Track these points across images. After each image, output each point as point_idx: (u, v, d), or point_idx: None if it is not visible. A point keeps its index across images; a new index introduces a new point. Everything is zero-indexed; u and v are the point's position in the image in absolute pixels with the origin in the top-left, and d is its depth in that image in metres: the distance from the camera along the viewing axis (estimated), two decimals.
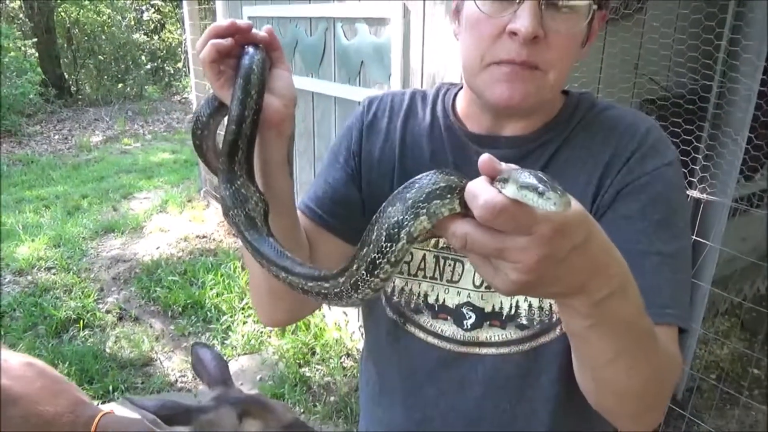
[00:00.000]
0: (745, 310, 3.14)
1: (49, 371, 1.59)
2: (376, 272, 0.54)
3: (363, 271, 0.55)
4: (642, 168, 0.78)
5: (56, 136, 8.80)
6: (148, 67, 12.60)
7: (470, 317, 0.87)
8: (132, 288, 3.90)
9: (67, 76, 11.54)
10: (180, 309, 3.59)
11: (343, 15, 2.78)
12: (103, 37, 12.39)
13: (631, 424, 0.73)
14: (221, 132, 0.72)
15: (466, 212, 0.49)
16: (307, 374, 2.99)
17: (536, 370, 0.87)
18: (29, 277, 4.03)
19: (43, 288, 3.85)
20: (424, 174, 0.51)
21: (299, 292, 0.63)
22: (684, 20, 2.29)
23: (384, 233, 0.52)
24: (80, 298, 3.71)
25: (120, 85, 11.87)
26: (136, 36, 12.81)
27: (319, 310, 3.28)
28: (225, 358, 1.92)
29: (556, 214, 0.44)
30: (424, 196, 0.50)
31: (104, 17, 12.51)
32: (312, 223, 0.91)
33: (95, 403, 1.64)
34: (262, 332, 3.32)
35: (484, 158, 0.48)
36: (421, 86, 2.41)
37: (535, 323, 0.85)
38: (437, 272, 0.89)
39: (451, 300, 0.89)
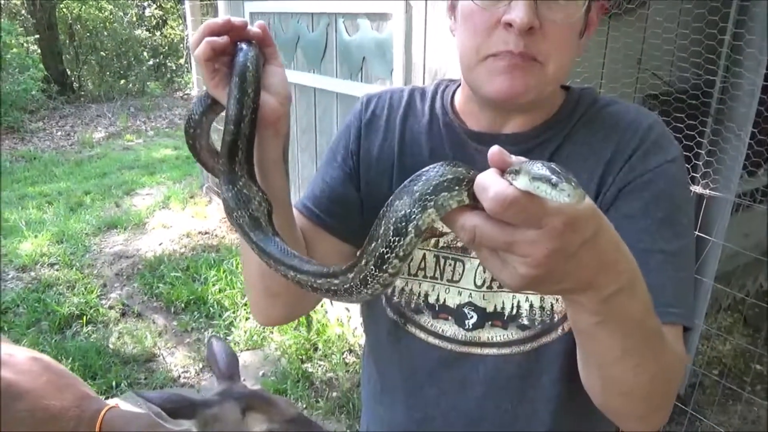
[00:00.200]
0: (747, 306, 3.13)
1: (54, 366, 1.60)
2: (384, 267, 0.53)
3: (372, 267, 0.54)
4: (645, 165, 0.77)
5: (59, 133, 8.81)
6: (150, 63, 12.59)
7: (472, 317, 0.87)
8: (135, 284, 3.91)
9: (69, 73, 11.53)
10: (183, 305, 3.60)
11: (345, 10, 2.77)
12: (105, 33, 12.38)
13: (637, 424, 0.72)
14: (216, 132, 0.72)
15: (474, 204, 0.48)
16: (310, 370, 2.99)
17: (538, 370, 0.86)
18: (32, 274, 4.04)
19: (46, 284, 3.86)
20: (431, 166, 0.50)
21: (308, 290, 0.62)
22: (687, 15, 2.28)
23: (392, 227, 0.51)
24: (83, 294, 3.72)
25: (122, 82, 11.86)
26: (138, 32, 12.81)
27: (321, 306, 3.29)
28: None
29: (569, 206, 0.43)
30: (431, 188, 0.49)
31: (106, 13, 12.50)
32: (309, 222, 0.90)
33: None
34: (264, 328, 3.32)
35: (494, 150, 0.46)
36: (423, 82, 2.41)
37: (536, 323, 0.84)
38: (437, 272, 0.88)
39: (452, 300, 0.88)
